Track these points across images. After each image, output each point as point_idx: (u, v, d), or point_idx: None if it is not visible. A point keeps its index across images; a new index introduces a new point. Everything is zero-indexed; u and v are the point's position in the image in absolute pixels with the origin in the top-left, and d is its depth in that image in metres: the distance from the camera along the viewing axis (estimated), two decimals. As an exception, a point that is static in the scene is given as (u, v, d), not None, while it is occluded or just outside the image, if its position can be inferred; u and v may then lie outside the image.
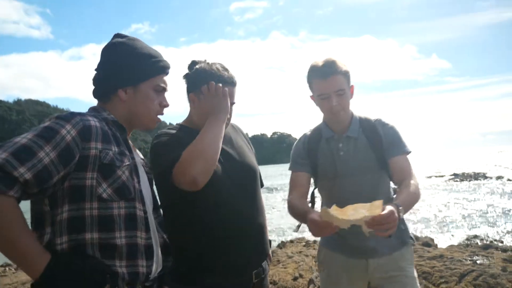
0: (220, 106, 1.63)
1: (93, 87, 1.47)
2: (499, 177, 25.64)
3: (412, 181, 1.77)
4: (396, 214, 1.45)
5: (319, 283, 2.18)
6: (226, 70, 1.74)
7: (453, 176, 28.41)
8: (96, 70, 1.48)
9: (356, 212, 1.42)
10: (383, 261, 1.91)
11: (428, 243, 5.90)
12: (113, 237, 1.24)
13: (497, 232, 10.40)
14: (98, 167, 1.25)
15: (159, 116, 1.52)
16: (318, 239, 2.21)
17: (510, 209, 13.52)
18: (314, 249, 5.82)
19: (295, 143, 2.12)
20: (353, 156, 1.92)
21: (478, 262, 4.65)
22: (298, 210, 1.80)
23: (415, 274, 1.97)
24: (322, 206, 1.82)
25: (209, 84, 1.65)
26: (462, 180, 26.17)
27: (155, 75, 1.47)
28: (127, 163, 1.33)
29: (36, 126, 1.24)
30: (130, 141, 1.48)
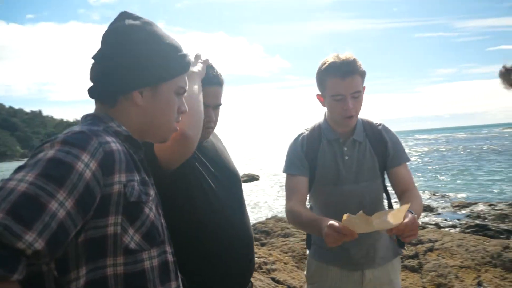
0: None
1: (91, 84, 1.08)
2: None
3: (417, 191, 1.82)
4: (417, 222, 1.44)
5: None
6: (212, 67, 1.57)
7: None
8: (97, 61, 1.08)
9: (381, 221, 1.36)
10: (378, 273, 1.87)
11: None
12: None
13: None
14: (123, 208, 0.92)
15: None
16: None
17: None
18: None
19: (290, 145, 1.92)
20: (358, 161, 1.83)
21: None
22: (307, 218, 1.67)
23: (400, 285, 1.98)
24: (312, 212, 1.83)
25: None
26: None
27: (180, 74, 1.13)
28: (152, 195, 1.03)
29: None
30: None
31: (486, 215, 9.01)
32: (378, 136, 1.87)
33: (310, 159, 1.84)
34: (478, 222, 8.21)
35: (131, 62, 1.04)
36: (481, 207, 9.93)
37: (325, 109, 1.90)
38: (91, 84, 1.08)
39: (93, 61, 1.09)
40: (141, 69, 1.05)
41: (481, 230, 7.14)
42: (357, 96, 1.73)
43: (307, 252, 2.03)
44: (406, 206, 1.38)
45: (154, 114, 1.10)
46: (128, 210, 0.93)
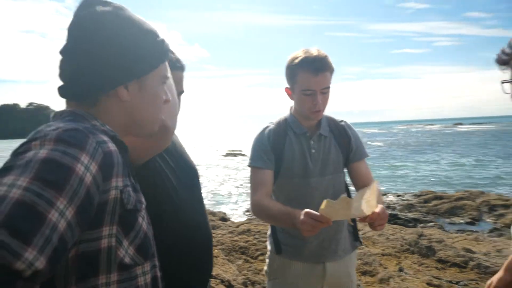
0: None
1: (62, 83, 0.92)
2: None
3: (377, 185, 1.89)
4: (386, 212, 1.51)
5: None
6: (171, 51, 1.44)
7: (225, 154, 30.79)
8: (68, 57, 0.91)
9: (357, 208, 1.38)
10: (338, 266, 1.91)
11: (224, 217, 6.56)
12: None
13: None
14: (119, 216, 0.80)
15: None
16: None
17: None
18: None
19: (256, 137, 1.90)
20: (324, 155, 1.87)
21: None
22: (278, 210, 1.67)
23: (356, 279, 2.03)
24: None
25: None
26: (232, 156, 29.04)
27: (163, 62, 1.01)
28: (145, 203, 0.92)
29: None
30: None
31: (395, 205, 9.70)
32: (342, 132, 1.94)
33: (276, 152, 1.84)
34: (389, 212, 8.83)
35: (113, 55, 0.89)
36: (390, 198, 10.68)
37: (291, 103, 1.92)
38: (61, 82, 0.92)
39: (60, 56, 0.92)
40: (125, 61, 0.91)
41: (392, 219, 7.66)
42: (326, 92, 1.77)
43: (268, 247, 2.01)
44: (374, 185, 1.42)
45: (142, 108, 0.97)
46: (123, 219, 0.81)
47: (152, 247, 0.92)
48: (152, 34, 0.97)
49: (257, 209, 1.78)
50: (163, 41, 1.00)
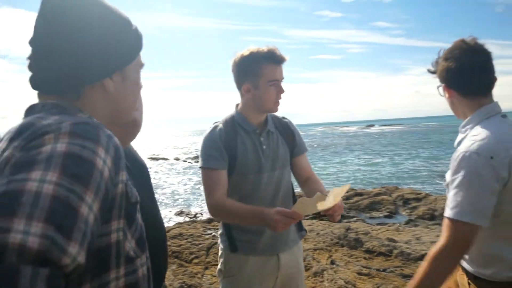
0: None
1: (39, 78, 0.86)
2: (176, 159, 28.86)
3: (317, 177, 2.03)
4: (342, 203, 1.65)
5: None
6: None
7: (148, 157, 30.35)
8: (42, 49, 0.85)
9: (326, 203, 1.50)
10: (289, 256, 1.96)
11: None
12: None
13: (199, 205, 11.69)
14: (125, 210, 0.80)
15: None
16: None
17: (194, 184, 15.33)
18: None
19: (206, 137, 1.88)
20: (274, 151, 1.92)
21: (215, 234, 5.42)
22: (242, 209, 1.71)
23: (303, 268, 2.09)
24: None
25: None
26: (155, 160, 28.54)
27: (140, 50, 0.98)
28: (138, 195, 0.91)
29: None
30: None
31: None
32: (286, 128, 2.03)
33: (230, 151, 1.84)
34: (315, 209, 9.18)
35: (97, 45, 0.85)
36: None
37: (237, 102, 1.97)
38: (36, 75, 0.86)
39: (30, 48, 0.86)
40: (110, 52, 0.88)
41: (319, 216, 7.97)
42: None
43: (221, 246, 1.99)
44: (347, 186, 1.58)
45: (124, 98, 0.96)
46: (127, 213, 0.81)
47: (145, 239, 0.91)
48: (129, 22, 0.95)
49: (217, 210, 1.78)
50: (136, 28, 0.97)
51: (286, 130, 2.02)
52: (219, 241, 2.01)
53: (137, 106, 1.09)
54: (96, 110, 0.90)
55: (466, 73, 1.51)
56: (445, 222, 1.41)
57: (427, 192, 9.68)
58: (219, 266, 1.99)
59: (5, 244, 0.53)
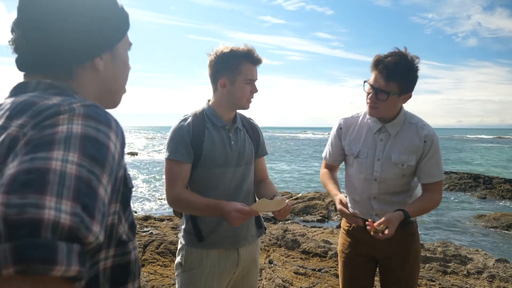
0: None
1: (28, 58, 0.85)
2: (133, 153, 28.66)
3: (270, 180, 2.15)
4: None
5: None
6: None
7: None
8: (29, 31, 0.83)
9: (278, 204, 1.74)
10: (248, 251, 2.02)
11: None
12: None
13: (153, 205, 11.69)
14: (122, 194, 0.83)
15: None
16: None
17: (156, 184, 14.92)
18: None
19: (174, 129, 1.89)
20: (241, 147, 1.98)
21: (154, 232, 5.38)
22: (202, 202, 1.78)
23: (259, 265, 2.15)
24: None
25: None
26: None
27: (128, 29, 0.99)
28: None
29: None
30: None
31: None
32: (253, 127, 2.12)
33: (196, 145, 1.87)
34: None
35: (86, 24, 0.86)
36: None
37: (209, 97, 2.01)
38: (24, 55, 0.86)
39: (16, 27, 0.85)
40: (99, 30, 0.89)
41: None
42: None
43: (181, 241, 1.99)
44: (301, 194, 1.69)
45: (114, 78, 0.97)
46: (123, 197, 0.84)
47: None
48: (115, 1, 0.95)
49: (177, 202, 1.84)
50: (123, 7, 0.97)
51: (253, 130, 2.10)
52: (180, 235, 2.02)
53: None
54: (87, 91, 0.90)
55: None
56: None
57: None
58: (178, 260, 1.98)
59: (41, 220, 0.54)
